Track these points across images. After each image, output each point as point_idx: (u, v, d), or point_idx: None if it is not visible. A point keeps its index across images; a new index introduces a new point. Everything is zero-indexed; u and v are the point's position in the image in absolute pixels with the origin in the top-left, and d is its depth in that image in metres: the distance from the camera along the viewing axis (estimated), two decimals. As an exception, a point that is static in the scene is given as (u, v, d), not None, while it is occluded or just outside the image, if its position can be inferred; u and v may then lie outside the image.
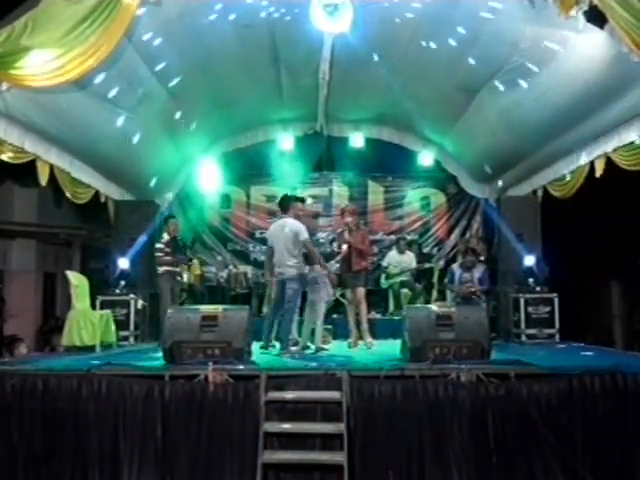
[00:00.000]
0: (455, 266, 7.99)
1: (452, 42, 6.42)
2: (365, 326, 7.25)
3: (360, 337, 7.28)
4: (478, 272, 7.66)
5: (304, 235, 6.33)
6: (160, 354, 5.48)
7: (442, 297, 9.31)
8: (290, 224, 6.41)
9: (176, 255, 7.76)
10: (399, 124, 9.90)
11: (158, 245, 7.76)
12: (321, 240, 10.46)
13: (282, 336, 6.38)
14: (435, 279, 9.91)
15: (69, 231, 11.29)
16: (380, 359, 5.83)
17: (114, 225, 8.73)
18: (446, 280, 8.20)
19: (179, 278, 7.96)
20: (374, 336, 7.46)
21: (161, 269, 7.66)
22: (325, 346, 6.97)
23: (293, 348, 6.45)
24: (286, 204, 6.60)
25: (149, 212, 8.67)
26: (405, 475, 4.56)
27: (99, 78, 5.83)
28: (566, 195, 7.94)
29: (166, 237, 7.76)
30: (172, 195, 9.99)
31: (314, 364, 5.25)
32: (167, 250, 7.66)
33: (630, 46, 4.61)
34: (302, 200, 7.01)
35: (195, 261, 9.42)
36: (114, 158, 7.56)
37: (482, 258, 8.47)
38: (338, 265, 7.38)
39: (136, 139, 7.32)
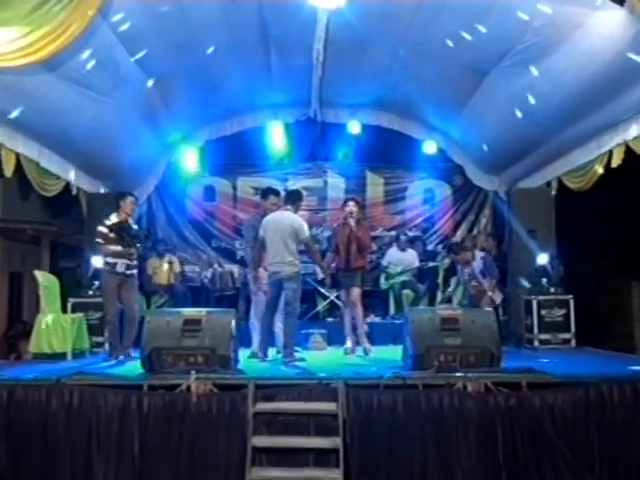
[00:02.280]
0: (459, 267, 8.04)
1: (459, 18, 6.39)
2: (362, 330, 7.26)
3: (357, 343, 7.28)
4: (477, 265, 7.67)
5: (306, 232, 6.37)
6: (138, 362, 5.47)
7: (448, 299, 9.33)
8: (291, 218, 6.44)
9: (124, 243, 6.70)
10: (400, 109, 9.89)
11: (99, 228, 6.74)
12: (315, 237, 10.52)
13: (288, 342, 6.35)
14: (440, 279, 9.92)
15: (37, 227, 11.20)
16: (380, 367, 5.85)
17: (87, 220, 8.70)
18: (450, 289, 8.26)
19: (126, 272, 6.75)
20: (373, 342, 7.46)
21: (100, 261, 6.83)
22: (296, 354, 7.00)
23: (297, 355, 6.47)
24: (294, 198, 6.69)
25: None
26: (407, 493, 4.57)
27: (71, 59, 5.79)
28: (583, 187, 7.96)
29: (114, 219, 6.75)
30: (151, 187, 10.00)
31: (307, 372, 5.25)
32: (111, 236, 6.66)
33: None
34: (277, 193, 7.15)
35: (175, 259, 9.41)
36: (87, 146, 7.52)
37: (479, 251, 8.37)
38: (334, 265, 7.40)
39: (112, 126, 7.28)
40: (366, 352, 7.10)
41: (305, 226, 6.41)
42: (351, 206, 7.33)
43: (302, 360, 6.35)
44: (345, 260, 7.28)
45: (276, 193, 7.13)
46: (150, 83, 7.27)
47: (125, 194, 7.02)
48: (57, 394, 4.71)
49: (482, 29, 6.37)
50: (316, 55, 7.49)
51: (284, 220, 6.42)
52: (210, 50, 7.07)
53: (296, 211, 6.65)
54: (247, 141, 10.23)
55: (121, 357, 6.57)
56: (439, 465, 4.60)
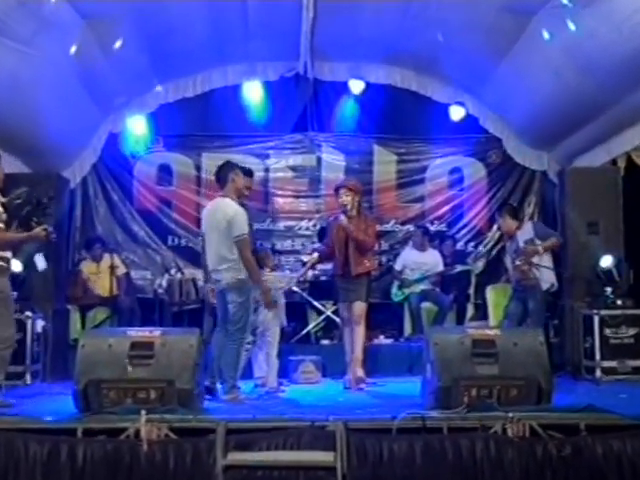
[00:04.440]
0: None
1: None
2: (358, 354, 7.29)
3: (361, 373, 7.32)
4: (524, 235, 7.89)
5: (239, 228, 6.27)
6: (70, 398, 5.44)
7: (482, 314, 9.36)
8: (223, 208, 6.39)
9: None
10: (418, 64, 9.91)
11: None
12: (304, 231, 10.52)
13: (224, 372, 6.39)
14: (472, 288, 9.95)
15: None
16: (391, 404, 5.86)
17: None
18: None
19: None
20: (383, 371, 7.53)
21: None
22: (282, 388, 7.18)
23: (263, 387, 6.56)
24: (223, 176, 6.58)
25: (53, 191, 8.60)
26: None
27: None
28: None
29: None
30: (87, 167, 10.01)
31: (294, 411, 5.27)
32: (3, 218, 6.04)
33: None
34: (249, 173, 7.14)
35: (118, 261, 9.43)
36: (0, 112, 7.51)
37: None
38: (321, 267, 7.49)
39: (33, 84, 7.25)
40: (351, 384, 7.22)
41: (240, 218, 6.29)
42: (343, 196, 7.35)
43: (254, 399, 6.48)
44: (342, 264, 7.32)
45: (248, 173, 7.13)
46: (84, 26, 7.23)
47: None
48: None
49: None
50: (307, -10, 7.53)
51: (218, 212, 6.42)
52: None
53: (238, 192, 6.57)
54: (215, 105, 10.27)
55: None
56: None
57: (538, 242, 7.92)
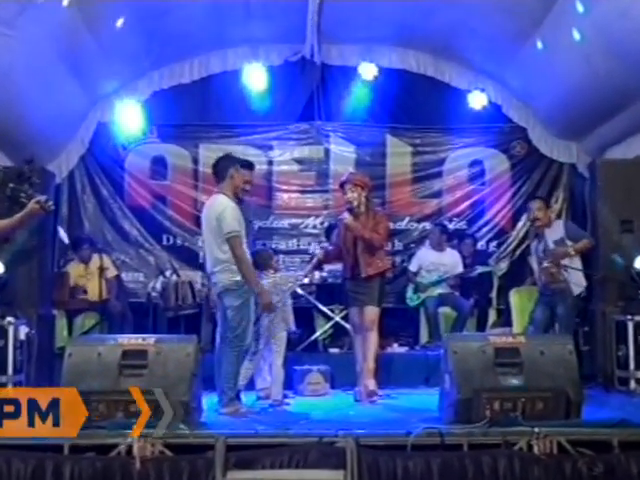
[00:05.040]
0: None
1: None
2: (370, 364, 7.28)
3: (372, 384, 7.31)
4: (554, 234, 7.86)
5: (228, 225, 6.26)
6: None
7: (505, 320, 9.33)
8: (215, 205, 6.41)
9: None
10: (436, 47, 9.92)
11: None
12: (310, 230, 10.52)
13: (223, 382, 6.40)
14: (494, 292, 9.93)
15: None
16: (407, 419, 5.85)
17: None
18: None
19: None
20: (398, 382, 7.50)
21: None
22: (287, 401, 7.16)
23: (266, 399, 6.53)
24: (222, 170, 6.58)
25: (36, 185, 8.60)
26: None
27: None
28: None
29: None
30: (74, 159, 10.04)
31: (301, 426, 5.27)
32: None
33: None
34: (249, 166, 7.11)
35: (109, 262, 9.42)
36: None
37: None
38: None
39: (15, 69, 7.25)
40: (362, 396, 7.17)
41: (229, 214, 6.27)
42: (348, 192, 7.34)
43: (255, 412, 6.46)
44: (352, 266, 7.32)
45: (248, 166, 7.11)
46: (69, 3, 7.22)
47: None
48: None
49: None
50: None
51: (210, 209, 6.45)
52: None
53: (236, 188, 6.56)
54: (213, 92, 10.29)
55: None
56: None
57: (569, 243, 7.88)
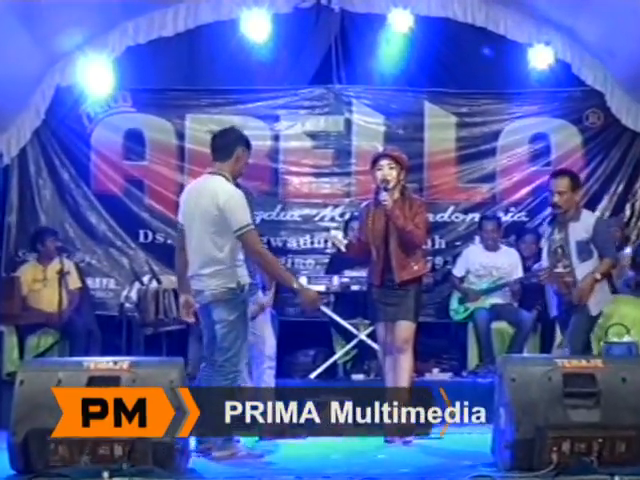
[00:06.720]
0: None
1: None
2: (404, 394, 7.26)
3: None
4: (579, 231, 7.56)
5: (240, 217, 6.21)
6: (4, 454, 5.44)
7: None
8: (212, 189, 6.32)
9: None
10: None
11: None
12: (327, 223, 10.54)
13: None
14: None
15: None
16: (450, 464, 5.91)
17: None
18: None
19: None
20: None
21: None
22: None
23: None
24: (225, 146, 6.53)
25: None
26: None
27: None
28: None
29: None
30: (27, 134, 10.07)
31: (315, 474, 5.35)
32: None
33: None
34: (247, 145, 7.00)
35: (71, 265, 9.48)
36: None
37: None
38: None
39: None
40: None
41: (239, 203, 6.22)
42: (385, 168, 7.27)
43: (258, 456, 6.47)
44: (382, 269, 7.29)
45: (245, 143, 7.05)
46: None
47: None
48: None
49: None
50: None
51: (204, 195, 6.34)
52: None
53: (234, 175, 6.53)
54: (204, 48, 10.35)
55: None
56: None
57: (592, 249, 7.56)
